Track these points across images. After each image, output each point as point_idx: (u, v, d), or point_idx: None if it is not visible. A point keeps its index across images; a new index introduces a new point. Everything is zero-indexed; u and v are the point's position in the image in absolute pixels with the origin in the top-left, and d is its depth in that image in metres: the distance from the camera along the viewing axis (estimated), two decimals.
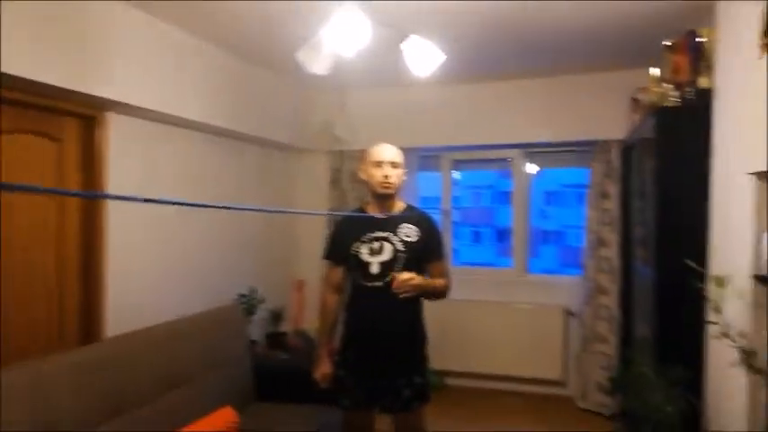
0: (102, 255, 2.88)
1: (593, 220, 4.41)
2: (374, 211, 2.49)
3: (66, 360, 2.26)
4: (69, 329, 2.81)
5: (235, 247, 4.04)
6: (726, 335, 2.16)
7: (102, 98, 2.68)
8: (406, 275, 2.30)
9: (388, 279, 2.35)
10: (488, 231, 15.49)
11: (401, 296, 2.30)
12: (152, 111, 3.00)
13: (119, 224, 2.95)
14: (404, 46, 2.53)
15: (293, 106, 4.59)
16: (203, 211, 3.69)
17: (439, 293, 2.46)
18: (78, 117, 2.82)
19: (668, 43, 3.17)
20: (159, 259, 3.28)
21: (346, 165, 4.85)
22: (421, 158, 4.97)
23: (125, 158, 3.01)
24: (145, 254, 3.17)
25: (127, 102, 2.81)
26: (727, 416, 2.34)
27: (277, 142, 4.41)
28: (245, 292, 3.90)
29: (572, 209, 14.84)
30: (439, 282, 2.47)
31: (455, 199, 5.19)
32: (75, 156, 2.83)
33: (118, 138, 2.95)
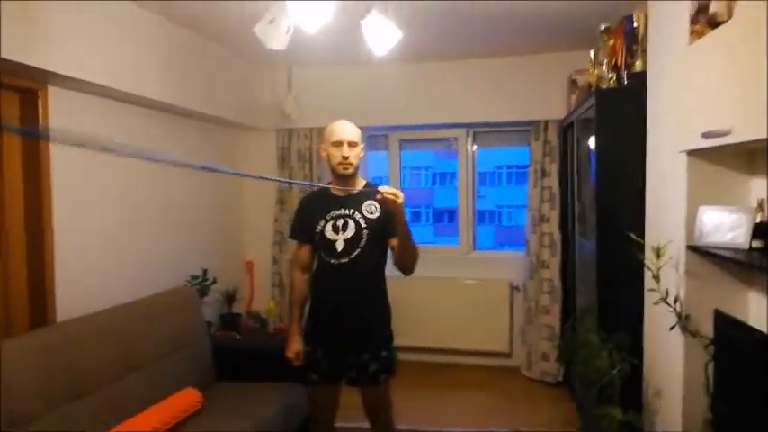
0: (49, 237, 2.79)
1: (533, 198, 4.61)
2: (336, 190, 2.52)
3: (22, 343, 2.24)
4: (18, 314, 2.72)
5: (184, 229, 3.98)
6: (663, 301, 2.36)
7: (42, 70, 2.57)
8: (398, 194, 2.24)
9: (352, 256, 2.41)
10: (427, 211, 15.74)
11: (382, 198, 2.23)
12: (94, 84, 2.90)
13: (65, 206, 2.86)
14: (363, 22, 2.56)
15: (240, 83, 4.53)
16: (153, 189, 3.62)
17: (413, 247, 2.42)
18: (17, 91, 2.70)
19: (605, 27, 3.34)
20: (107, 241, 3.20)
21: (294, 143, 4.85)
22: (367, 138, 5.02)
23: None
24: (92, 236, 3.09)
25: (68, 74, 2.70)
26: (665, 375, 2.55)
27: (224, 119, 4.34)
28: (195, 273, 3.87)
29: (505, 189, 15.28)
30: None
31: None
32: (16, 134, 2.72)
33: (60, 113, 2.84)
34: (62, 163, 2.85)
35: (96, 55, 2.90)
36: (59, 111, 2.84)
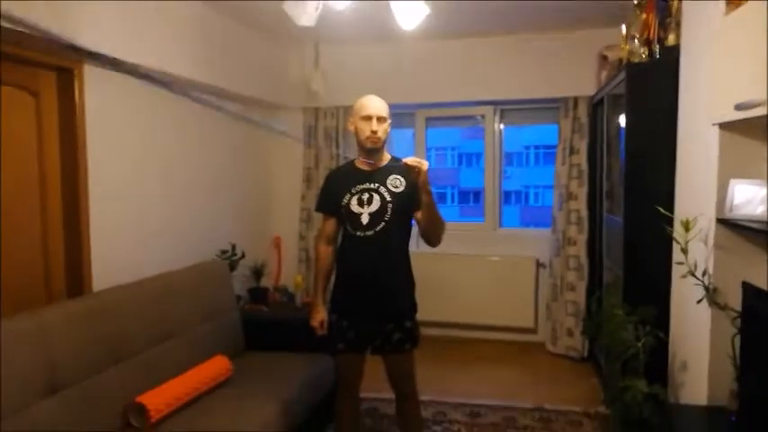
0: (85, 210, 2.87)
1: (561, 175, 4.58)
2: (362, 164, 2.55)
3: (63, 310, 2.32)
4: (56, 284, 2.82)
5: (213, 205, 4.06)
6: (692, 274, 2.35)
7: (79, 48, 2.63)
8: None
9: (377, 229, 2.44)
10: (452, 192, 15.70)
11: (406, 167, 2.29)
12: (130, 63, 2.96)
13: (101, 179, 2.94)
14: None
15: (267, 61, 4.57)
16: (185, 166, 3.69)
17: (438, 217, 2.46)
18: (55, 69, 2.77)
19: (638, 1, 3.28)
20: (140, 215, 3.28)
21: (321, 122, 4.88)
22: (394, 116, 5.01)
23: (103, 114, 2.97)
24: (126, 210, 3.17)
25: (105, 53, 2.76)
26: (691, 348, 2.55)
27: (253, 98, 4.39)
28: (226, 248, 3.95)
29: (532, 169, 15.12)
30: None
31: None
32: (53, 110, 2.79)
33: (95, 92, 2.91)
34: (98, 136, 2.92)
35: (131, 34, 2.96)
36: (95, 90, 2.91)
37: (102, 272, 2.91)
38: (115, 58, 2.84)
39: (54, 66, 2.74)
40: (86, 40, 2.66)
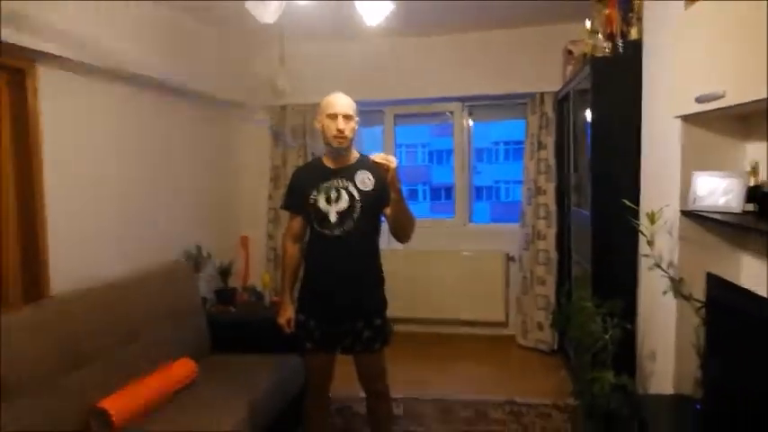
0: (42, 212, 2.77)
1: (530, 170, 4.60)
2: (329, 162, 2.51)
3: (19, 316, 2.24)
4: (12, 289, 2.72)
5: (178, 205, 3.97)
6: (657, 266, 2.38)
7: (30, 49, 2.55)
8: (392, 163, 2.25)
9: (345, 227, 2.41)
10: (423, 189, 15.74)
11: (375, 164, 2.25)
12: (86, 63, 2.88)
13: (58, 180, 2.84)
14: None
15: (231, 59, 4.49)
16: (145, 167, 3.60)
17: (408, 214, 2.44)
18: (6, 70, 2.67)
19: None
20: (101, 216, 3.19)
21: (289, 120, 4.82)
22: (362, 113, 4.97)
23: (59, 114, 2.88)
24: (86, 211, 3.08)
25: (58, 53, 2.68)
26: (658, 338, 2.58)
27: (216, 97, 4.30)
28: (190, 249, 3.86)
29: (502, 165, 15.25)
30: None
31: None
32: (5, 111, 2.69)
33: (50, 93, 2.81)
34: (54, 137, 2.83)
35: (85, 33, 2.87)
36: (50, 90, 2.81)
37: (60, 275, 2.82)
38: (67, 59, 2.74)
39: (5, 66, 2.64)
40: (39, 41, 2.57)
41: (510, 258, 4.82)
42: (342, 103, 2.44)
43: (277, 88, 4.58)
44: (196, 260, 3.82)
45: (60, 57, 2.72)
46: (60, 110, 2.89)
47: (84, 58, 2.85)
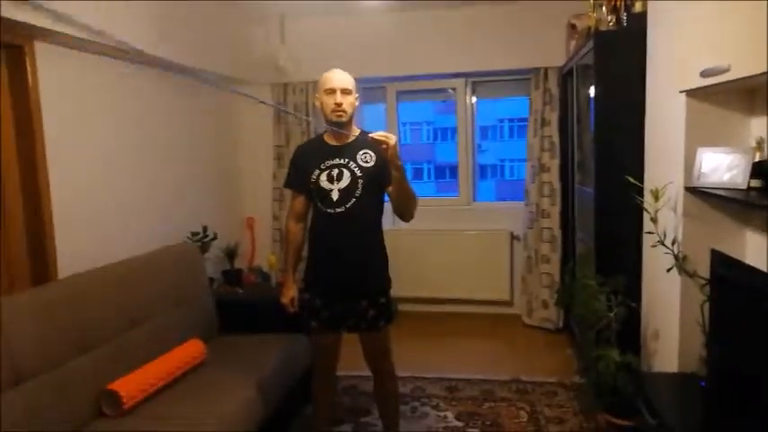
0: (46, 193, 2.77)
1: (533, 148, 4.57)
2: (331, 139, 2.51)
3: (26, 299, 2.24)
4: (20, 274, 2.74)
5: (183, 186, 3.98)
6: (661, 243, 2.37)
7: (28, 25, 2.51)
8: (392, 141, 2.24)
9: (348, 205, 2.40)
10: (428, 168, 15.68)
11: (374, 142, 2.25)
12: (85, 40, 2.85)
13: (61, 163, 2.84)
14: None
15: (232, 37, 4.45)
16: (149, 146, 3.60)
17: (409, 191, 2.42)
18: (3, 47, 2.65)
19: None
20: (105, 198, 3.19)
21: (290, 97, 4.80)
22: (364, 91, 4.96)
23: (60, 93, 2.86)
24: (90, 194, 3.08)
25: (56, 29, 2.65)
26: (662, 316, 2.58)
27: (217, 74, 4.27)
28: (196, 230, 3.88)
29: (507, 143, 15.15)
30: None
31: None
32: (5, 90, 2.66)
33: (48, 70, 2.78)
34: (56, 116, 2.81)
35: (84, 9, 2.84)
36: (50, 67, 2.79)
37: (68, 258, 2.83)
38: (67, 35, 2.71)
39: (3, 44, 2.62)
40: (36, 16, 2.53)
41: (514, 237, 4.81)
42: (339, 78, 2.43)
43: (279, 66, 4.57)
44: (202, 241, 3.83)
45: (59, 33, 2.68)
46: (61, 88, 2.87)
47: (83, 34, 2.81)
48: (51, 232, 2.79)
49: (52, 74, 2.80)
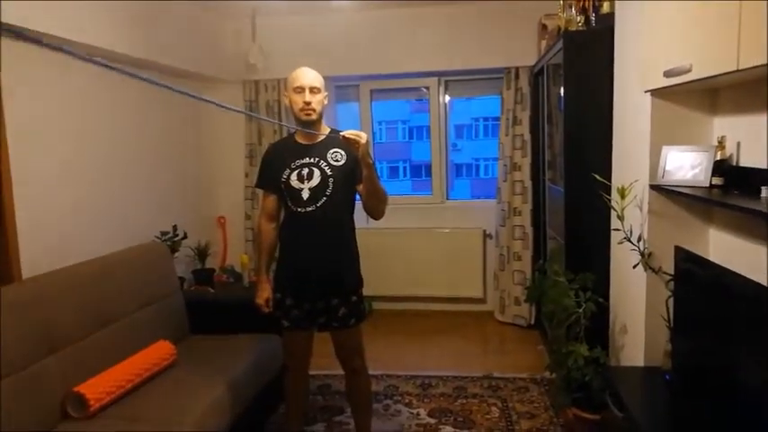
0: (8, 192, 2.71)
1: (505, 146, 4.61)
2: (301, 138, 2.50)
3: None
4: None
5: (152, 184, 3.92)
6: (627, 240, 2.41)
7: None
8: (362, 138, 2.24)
9: (318, 204, 2.40)
10: (404, 166, 15.71)
11: (345, 140, 2.25)
12: (48, 36, 2.79)
13: (24, 161, 2.78)
14: None
15: (202, 33, 4.40)
16: (117, 144, 3.54)
17: (380, 190, 2.42)
18: None
19: None
20: (71, 198, 3.13)
21: (262, 95, 4.76)
22: (338, 89, 4.96)
23: (23, 90, 2.79)
24: (56, 192, 3.02)
25: (18, 24, 2.59)
26: (629, 311, 2.63)
27: (187, 72, 4.22)
28: (165, 229, 3.83)
29: (481, 141, 15.24)
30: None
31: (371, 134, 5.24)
32: None
33: (12, 67, 2.70)
34: (18, 113, 2.75)
35: (49, 6, 2.78)
36: (11, 65, 2.72)
37: (32, 258, 2.77)
38: (22, 29, 2.63)
39: None
40: (6, 14, 2.47)
41: (487, 235, 4.85)
42: (308, 76, 2.42)
43: (250, 63, 4.54)
44: (172, 240, 3.79)
45: (22, 28, 2.61)
46: (24, 85, 2.81)
47: (47, 29, 2.76)
48: (14, 232, 2.74)
49: (17, 71, 2.74)
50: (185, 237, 3.98)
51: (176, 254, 3.79)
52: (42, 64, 2.94)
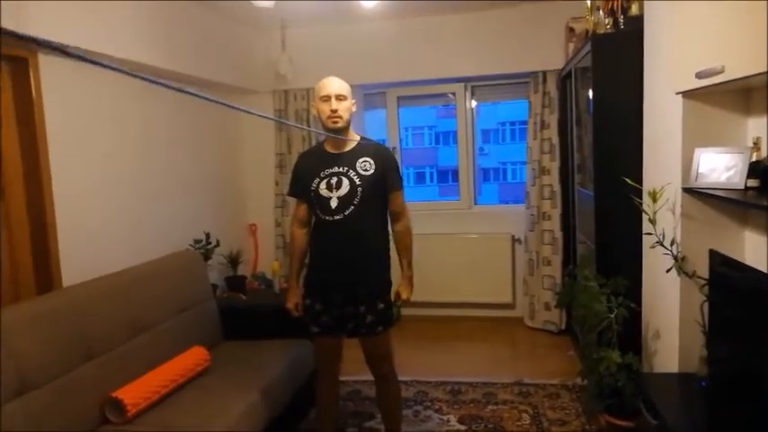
0: (50, 203, 2.79)
1: (533, 150, 4.59)
2: (330, 147, 2.53)
3: (29, 309, 2.26)
4: (25, 283, 2.77)
5: (186, 194, 4.00)
6: (660, 244, 2.38)
7: (26, 36, 2.53)
8: (404, 296, 2.62)
9: (347, 213, 2.43)
10: (431, 172, 15.71)
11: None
12: (86, 50, 2.88)
13: (65, 172, 2.87)
14: None
15: (233, 46, 4.48)
16: (152, 155, 3.63)
17: (410, 248, 2.67)
18: (8, 59, 2.68)
19: None
20: (108, 208, 3.22)
21: (291, 105, 4.82)
22: (366, 96, 5.00)
23: (64, 104, 2.89)
24: (95, 203, 3.11)
25: (55, 40, 2.66)
26: (662, 317, 2.59)
27: (218, 83, 4.30)
28: (199, 237, 3.90)
29: (509, 146, 15.15)
30: (404, 243, 2.64)
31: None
32: (9, 103, 2.69)
33: (52, 82, 2.81)
34: (60, 127, 2.84)
35: (86, 21, 2.87)
36: (53, 80, 2.82)
37: (72, 267, 2.85)
38: (67, 46, 2.73)
39: (7, 56, 2.65)
40: (37, 28, 2.56)
41: (516, 240, 4.83)
42: (333, 84, 2.47)
43: (280, 74, 4.61)
44: (205, 248, 3.86)
45: (57, 45, 2.69)
46: (64, 99, 2.90)
47: (86, 45, 2.85)
48: (55, 242, 2.82)
49: (56, 85, 2.83)
50: (218, 244, 4.05)
51: (209, 261, 3.86)
52: (81, 77, 3.02)
